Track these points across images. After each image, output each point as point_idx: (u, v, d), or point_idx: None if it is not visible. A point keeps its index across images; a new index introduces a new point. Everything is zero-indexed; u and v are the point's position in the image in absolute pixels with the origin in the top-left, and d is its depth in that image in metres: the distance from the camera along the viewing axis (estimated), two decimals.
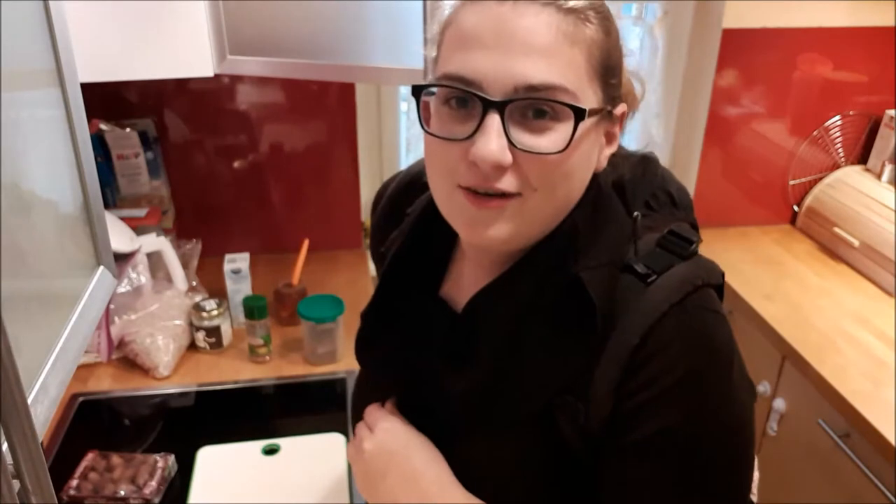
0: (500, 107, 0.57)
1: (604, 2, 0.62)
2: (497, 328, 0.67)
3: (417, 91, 0.62)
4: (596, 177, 0.67)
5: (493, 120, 0.57)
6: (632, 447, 0.61)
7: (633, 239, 0.67)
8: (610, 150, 0.67)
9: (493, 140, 0.57)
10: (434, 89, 0.62)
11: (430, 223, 0.73)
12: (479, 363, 0.67)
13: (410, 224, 0.76)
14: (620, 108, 0.66)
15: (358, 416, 0.79)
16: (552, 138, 0.59)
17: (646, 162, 0.76)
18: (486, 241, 0.62)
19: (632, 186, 0.73)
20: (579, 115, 0.58)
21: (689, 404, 0.60)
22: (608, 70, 0.62)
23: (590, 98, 0.60)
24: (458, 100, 0.60)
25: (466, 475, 0.69)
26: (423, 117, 0.64)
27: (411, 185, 0.82)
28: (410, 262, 0.76)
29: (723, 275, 0.66)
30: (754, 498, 0.84)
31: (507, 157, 0.58)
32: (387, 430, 0.73)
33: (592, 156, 0.65)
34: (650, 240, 0.67)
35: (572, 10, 0.58)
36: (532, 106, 0.58)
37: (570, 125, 0.58)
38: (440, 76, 0.60)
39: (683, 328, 0.60)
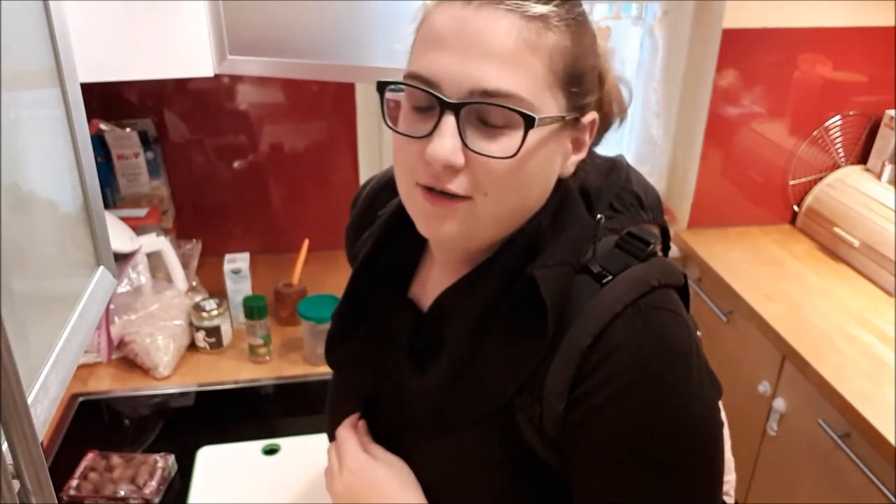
0: (455, 108, 0.58)
1: (581, 8, 0.61)
2: (460, 328, 0.67)
3: (382, 87, 0.63)
4: (561, 182, 0.67)
5: (449, 121, 0.58)
6: (592, 451, 0.61)
7: (593, 241, 0.67)
8: (578, 157, 0.67)
9: (446, 140, 0.58)
10: (403, 89, 0.63)
11: (400, 226, 0.74)
12: (442, 362, 0.68)
13: (381, 226, 0.77)
14: (590, 116, 0.65)
15: (333, 426, 0.80)
16: (504, 144, 0.59)
17: (611, 166, 0.76)
18: (439, 236, 0.64)
19: (597, 190, 0.73)
20: (529, 123, 0.58)
21: (645, 405, 0.59)
22: (573, 78, 0.61)
23: (549, 106, 0.60)
24: (423, 100, 0.60)
25: (432, 473, 0.70)
26: (390, 115, 0.65)
27: (386, 187, 0.82)
28: (380, 263, 0.76)
29: (684, 276, 0.66)
30: (729, 499, 0.84)
31: (459, 159, 0.58)
32: (353, 472, 0.73)
33: (554, 163, 0.65)
34: (610, 242, 0.67)
35: (536, 17, 0.58)
36: (483, 110, 0.58)
37: (521, 132, 0.59)
38: (405, 75, 0.61)
39: (636, 328, 0.59)
